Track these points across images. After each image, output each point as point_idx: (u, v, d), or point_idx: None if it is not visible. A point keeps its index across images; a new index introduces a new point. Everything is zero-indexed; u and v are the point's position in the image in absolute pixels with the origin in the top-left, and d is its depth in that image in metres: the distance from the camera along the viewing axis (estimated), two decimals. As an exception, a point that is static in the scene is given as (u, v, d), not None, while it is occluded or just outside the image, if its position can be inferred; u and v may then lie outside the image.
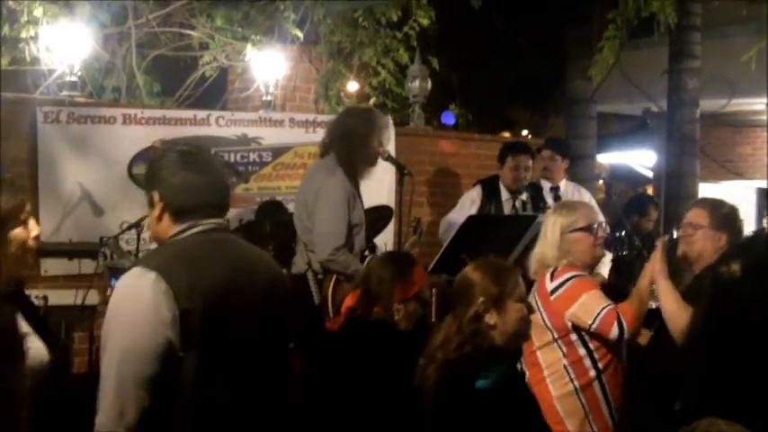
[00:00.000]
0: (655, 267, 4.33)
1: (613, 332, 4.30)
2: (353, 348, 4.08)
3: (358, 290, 4.33)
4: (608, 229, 4.92)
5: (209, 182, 2.97)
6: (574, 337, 4.42)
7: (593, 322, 4.33)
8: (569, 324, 4.42)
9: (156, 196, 2.95)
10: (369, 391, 3.87)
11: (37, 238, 3.31)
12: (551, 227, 4.61)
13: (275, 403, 2.99)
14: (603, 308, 4.33)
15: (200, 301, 2.74)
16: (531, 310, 3.67)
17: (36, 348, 3.09)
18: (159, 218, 2.96)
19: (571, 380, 4.41)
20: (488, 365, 3.45)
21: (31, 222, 3.28)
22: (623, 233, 6.92)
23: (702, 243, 4.39)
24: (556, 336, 4.45)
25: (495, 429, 3.37)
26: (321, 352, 4.37)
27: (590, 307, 4.36)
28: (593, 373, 4.42)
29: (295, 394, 3.32)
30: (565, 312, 4.41)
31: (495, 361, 3.49)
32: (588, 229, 4.56)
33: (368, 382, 3.89)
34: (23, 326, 3.03)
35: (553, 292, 4.45)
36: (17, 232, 3.20)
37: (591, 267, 4.73)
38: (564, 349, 4.43)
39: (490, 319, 3.51)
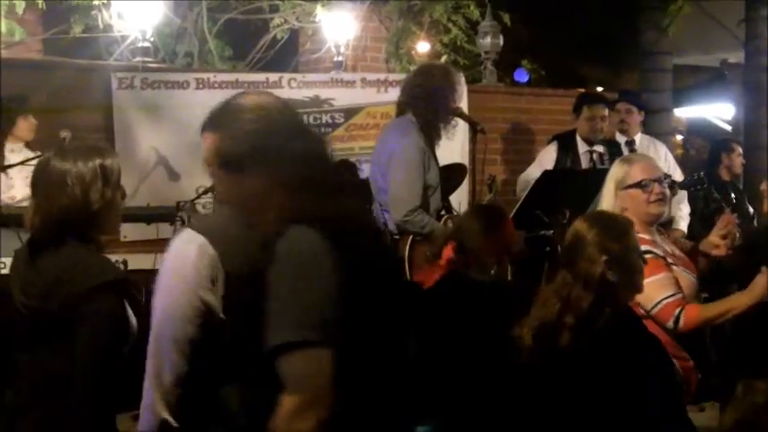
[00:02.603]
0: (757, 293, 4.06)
1: (669, 324, 4.10)
2: (452, 303, 4.06)
3: (452, 242, 4.27)
4: (671, 182, 4.69)
5: None
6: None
7: (651, 309, 4.11)
8: None
9: None
10: (467, 346, 3.87)
11: None
12: (607, 183, 4.38)
13: None
14: (666, 298, 4.11)
15: (251, 265, 2.61)
16: (645, 261, 3.64)
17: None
18: None
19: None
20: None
21: None
22: (702, 174, 6.67)
23: None
24: None
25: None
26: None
27: (651, 294, 4.06)
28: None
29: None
30: None
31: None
32: (640, 185, 4.27)
33: (466, 337, 3.89)
34: None
35: None
36: None
37: (651, 225, 4.38)
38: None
39: (612, 276, 3.46)
